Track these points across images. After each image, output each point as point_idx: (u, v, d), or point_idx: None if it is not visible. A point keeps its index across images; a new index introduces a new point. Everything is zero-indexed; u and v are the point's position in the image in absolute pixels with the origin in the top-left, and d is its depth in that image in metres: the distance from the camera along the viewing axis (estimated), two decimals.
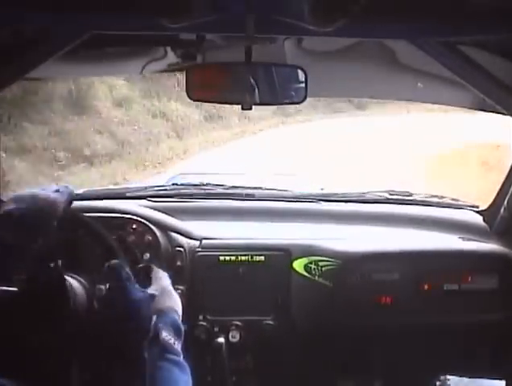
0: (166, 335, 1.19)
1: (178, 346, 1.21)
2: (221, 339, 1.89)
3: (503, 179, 2.05)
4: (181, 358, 1.20)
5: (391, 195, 2.35)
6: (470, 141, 10.54)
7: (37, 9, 1.25)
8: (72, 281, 1.76)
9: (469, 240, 2.07)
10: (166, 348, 1.18)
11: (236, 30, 1.35)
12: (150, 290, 1.27)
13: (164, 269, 1.89)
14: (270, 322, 1.93)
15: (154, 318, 1.19)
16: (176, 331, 1.23)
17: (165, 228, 1.98)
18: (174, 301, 1.30)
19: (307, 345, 2.00)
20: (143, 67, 1.94)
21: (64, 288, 1.28)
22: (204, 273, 1.95)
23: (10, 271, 1.19)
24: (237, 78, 1.51)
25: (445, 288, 1.91)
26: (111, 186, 2.43)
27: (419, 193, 2.41)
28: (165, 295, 1.30)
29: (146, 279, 1.36)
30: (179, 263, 1.93)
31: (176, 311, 1.28)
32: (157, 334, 1.18)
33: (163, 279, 1.36)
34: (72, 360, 1.19)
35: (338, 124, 12.38)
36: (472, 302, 1.92)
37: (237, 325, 1.92)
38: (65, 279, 1.32)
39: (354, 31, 1.33)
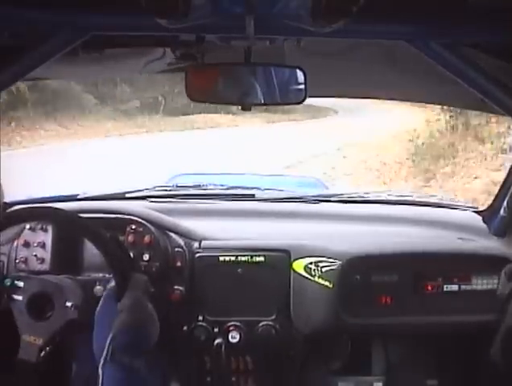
0: (120, 356, 1.21)
1: (137, 363, 1.23)
2: (221, 340, 1.89)
3: (503, 180, 2.05)
4: (141, 373, 1.23)
5: (391, 195, 2.36)
6: None
7: (37, 10, 1.26)
8: (70, 282, 1.76)
9: (469, 240, 2.08)
10: (122, 368, 1.21)
11: (235, 31, 1.35)
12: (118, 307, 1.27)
13: (164, 270, 1.91)
14: (270, 323, 1.93)
15: (109, 338, 1.21)
16: (133, 351, 1.24)
17: (164, 229, 1.98)
18: (137, 319, 1.28)
19: (306, 345, 2.00)
20: (143, 68, 1.94)
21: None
22: (204, 274, 1.95)
23: None
24: (236, 79, 1.51)
25: (445, 288, 1.91)
26: (111, 188, 2.42)
27: (419, 193, 2.42)
28: (127, 313, 1.27)
29: (121, 290, 1.35)
30: (178, 263, 1.93)
31: (136, 329, 1.27)
32: (111, 356, 1.20)
33: (134, 293, 1.33)
34: None
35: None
36: (471, 303, 1.92)
37: (236, 325, 1.92)
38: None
39: (354, 32, 1.33)
